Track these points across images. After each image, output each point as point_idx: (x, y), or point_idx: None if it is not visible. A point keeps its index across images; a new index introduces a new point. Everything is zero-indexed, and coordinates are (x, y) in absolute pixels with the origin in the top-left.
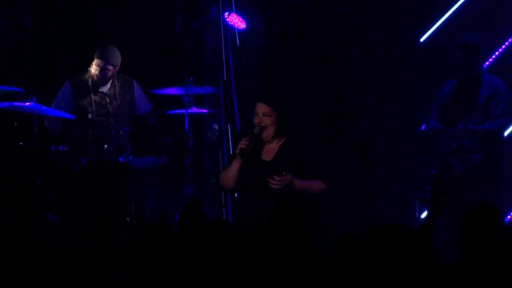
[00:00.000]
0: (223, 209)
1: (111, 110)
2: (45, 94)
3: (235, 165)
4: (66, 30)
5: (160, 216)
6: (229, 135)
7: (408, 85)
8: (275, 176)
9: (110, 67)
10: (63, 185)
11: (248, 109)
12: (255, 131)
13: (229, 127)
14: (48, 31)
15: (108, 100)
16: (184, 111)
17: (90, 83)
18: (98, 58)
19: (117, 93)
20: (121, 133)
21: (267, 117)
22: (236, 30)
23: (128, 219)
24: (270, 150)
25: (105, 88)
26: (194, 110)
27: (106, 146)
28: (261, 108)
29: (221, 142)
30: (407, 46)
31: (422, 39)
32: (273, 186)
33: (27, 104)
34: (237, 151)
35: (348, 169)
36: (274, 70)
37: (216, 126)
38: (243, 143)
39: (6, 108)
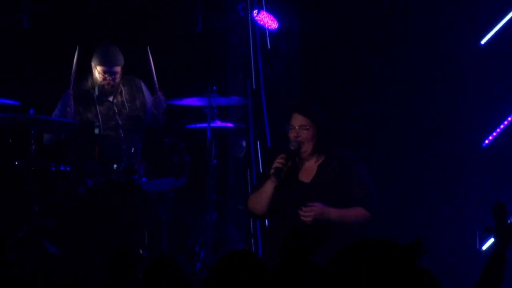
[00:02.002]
0: (252, 239)
1: (120, 121)
2: (45, 103)
3: (269, 186)
4: (68, 30)
5: (178, 247)
6: (259, 153)
7: (467, 92)
8: (303, 208)
9: (117, 69)
10: (65, 211)
11: (280, 123)
12: (292, 147)
13: (258, 144)
14: (47, 31)
15: (116, 110)
16: (206, 125)
17: (96, 92)
18: (101, 64)
19: (124, 100)
20: (132, 150)
21: (305, 131)
22: (267, 31)
23: (141, 251)
24: (308, 170)
25: (111, 96)
26: (218, 124)
27: (115, 165)
28: (298, 120)
29: (249, 161)
30: (467, 49)
31: (483, 42)
32: (304, 219)
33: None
34: (272, 170)
35: (398, 190)
36: (311, 77)
37: (243, 143)
38: (278, 161)
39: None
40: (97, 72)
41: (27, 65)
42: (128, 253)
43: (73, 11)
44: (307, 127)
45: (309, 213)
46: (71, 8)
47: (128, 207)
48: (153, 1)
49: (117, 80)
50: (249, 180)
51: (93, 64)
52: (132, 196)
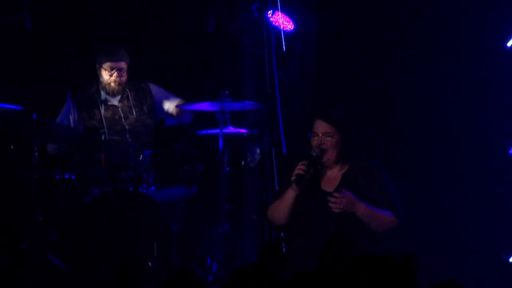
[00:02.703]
0: None
1: (127, 126)
2: (48, 109)
3: (290, 194)
4: (73, 32)
5: (189, 260)
6: (274, 160)
7: (493, 96)
8: (334, 194)
9: (123, 64)
10: (69, 221)
11: (296, 129)
12: (314, 154)
13: (273, 151)
14: (52, 33)
15: (122, 115)
16: (218, 131)
17: (102, 96)
18: (108, 60)
19: (131, 104)
20: (140, 158)
21: (329, 138)
22: (282, 32)
23: (150, 263)
24: (331, 179)
25: (115, 100)
26: (231, 130)
27: (122, 173)
28: (321, 127)
29: (264, 169)
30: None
31: (509, 44)
32: (333, 206)
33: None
34: (293, 177)
35: (421, 198)
36: (328, 82)
37: (257, 150)
38: (300, 168)
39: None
40: (104, 70)
41: (29, 68)
42: (130, 265)
43: (76, 11)
44: (331, 135)
45: (340, 200)
46: (76, 9)
47: (136, 218)
48: (163, 1)
49: (124, 78)
50: (263, 189)
51: (98, 65)
52: (141, 206)
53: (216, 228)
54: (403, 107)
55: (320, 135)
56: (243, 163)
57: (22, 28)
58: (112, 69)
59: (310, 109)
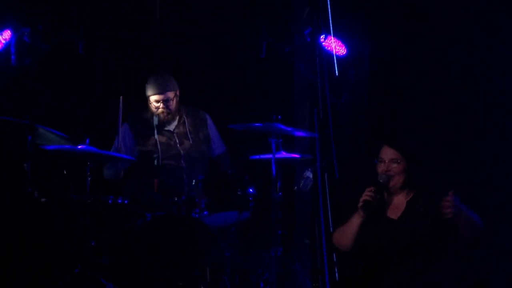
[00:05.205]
0: (319, 276)
1: (182, 151)
2: (101, 134)
3: (356, 220)
4: (126, 57)
5: (242, 285)
6: (326, 186)
7: None
8: (446, 198)
9: (170, 94)
10: (122, 246)
11: (349, 154)
12: (381, 180)
13: (326, 176)
14: (104, 58)
15: (177, 140)
16: (270, 156)
17: (155, 122)
18: (151, 93)
19: (187, 130)
20: (193, 183)
21: (395, 164)
22: (335, 57)
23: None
24: (396, 206)
25: (172, 126)
26: (283, 154)
27: (175, 198)
28: (388, 153)
29: (317, 194)
30: None
31: None
32: (447, 210)
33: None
34: (360, 203)
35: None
36: (381, 107)
37: (310, 175)
38: (367, 194)
39: (55, 151)
40: (150, 102)
41: (83, 91)
42: None
43: (130, 36)
44: (398, 161)
45: (452, 203)
46: (128, 33)
47: (189, 242)
48: (217, 26)
49: (172, 107)
50: (316, 214)
51: (147, 94)
52: (193, 230)
53: (268, 252)
54: (461, 133)
55: (387, 161)
56: (295, 188)
57: (75, 53)
58: (157, 101)
59: (363, 133)
